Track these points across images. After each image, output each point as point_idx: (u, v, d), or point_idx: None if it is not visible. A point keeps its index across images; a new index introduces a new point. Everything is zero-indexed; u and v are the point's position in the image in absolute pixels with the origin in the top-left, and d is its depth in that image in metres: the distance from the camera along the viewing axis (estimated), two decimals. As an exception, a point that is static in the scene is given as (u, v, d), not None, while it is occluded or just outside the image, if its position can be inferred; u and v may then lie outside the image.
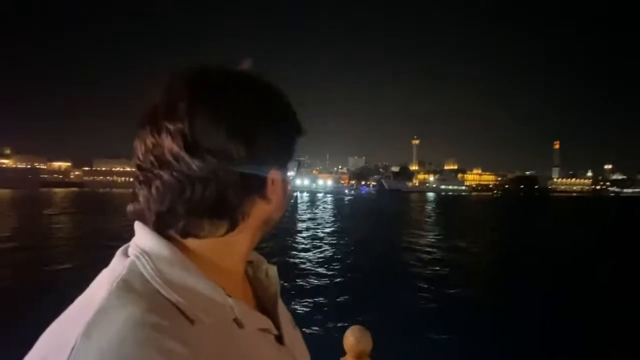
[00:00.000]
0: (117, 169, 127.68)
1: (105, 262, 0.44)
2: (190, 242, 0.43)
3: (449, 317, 6.68)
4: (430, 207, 46.96)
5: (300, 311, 6.74)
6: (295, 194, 69.40)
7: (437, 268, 10.94)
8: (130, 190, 0.45)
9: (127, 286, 0.38)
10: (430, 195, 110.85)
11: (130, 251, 0.42)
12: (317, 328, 5.85)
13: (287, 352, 0.50)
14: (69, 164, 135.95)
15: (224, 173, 0.40)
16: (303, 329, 0.61)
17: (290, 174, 0.50)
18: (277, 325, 0.50)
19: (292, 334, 0.54)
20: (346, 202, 53.60)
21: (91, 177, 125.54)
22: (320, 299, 7.58)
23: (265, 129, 0.43)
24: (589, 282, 9.68)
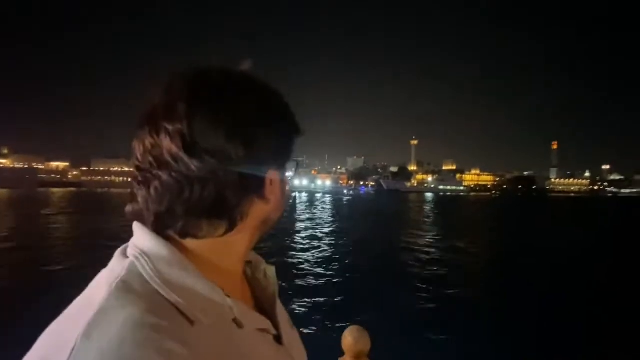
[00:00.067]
0: (116, 169, 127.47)
1: (103, 263, 0.44)
2: (189, 243, 0.43)
3: (447, 317, 6.70)
4: (428, 208, 47.02)
5: (299, 311, 6.74)
6: (294, 194, 69.38)
7: (436, 268, 10.96)
8: (129, 190, 0.45)
9: (126, 287, 0.38)
10: (429, 195, 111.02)
11: (130, 252, 0.42)
12: (315, 328, 5.85)
13: (286, 352, 0.50)
14: (67, 164, 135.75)
15: (222, 173, 0.40)
16: (302, 329, 0.62)
17: (289, 174, 0.50)
18: (276, 326, 0.50)
19: (290, 334, 0.54)
20: (345, 203, 53.61)
21: (89, 177, 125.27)
22: (319, 299, 7.58)
23: (263, 130, 0.44)
24: (586, 282, 9.71)
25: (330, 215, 30.41)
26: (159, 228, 0.42)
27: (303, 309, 6.91)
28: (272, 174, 0.46)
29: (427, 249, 14.28)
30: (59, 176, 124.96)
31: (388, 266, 11.23)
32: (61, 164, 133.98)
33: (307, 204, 45.74)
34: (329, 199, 64.15)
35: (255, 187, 0.44)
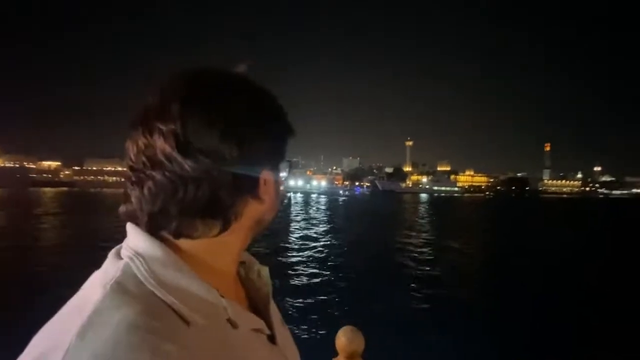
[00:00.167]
0: (109, 168, 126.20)
1: (96, 264, 0.44)
2: (183, 243, 0.43)
3: (441, 318, 6.74)
4: (423, 208, 47.25)
5: (293, 311, 6.73)
6: (289, 194, 69.29)
7: (430, 269, 11.02)
8: (122, 190, 0.45)
9: (121, 288, 0.37)
10: (424, 196, 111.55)
11: (124, 253, 0.42)
12: (309, 328, 5.84)
13: (279, 352, 0.51)
14: (59, 163, 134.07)
15: (216, 173, 0.40)
16: (296, 330, 0.62)
17: (283, 174, 0.50)
18: (270, 326, 0.51)
19: (283, 334, 0.54)
20: (340, 203, 53.69)
21: (82, 177, 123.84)
22: (313, 299, 7.58)
23: (257, 130, 0.44)
24: (577, 283, 9.84)
25: (326, 215, 30.43)
26: (152, 228, 0.42)
27: (297, 309, 6.91)
28: (265, 174, 0.46)
29: (421, 250, 14.35)
30: (50, 175, 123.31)
31: (382, 266, 11.27)
32: (53, 164, 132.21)
33: (303, 204, 45.71)
34: (324, 199, 64.16)
35: (249, 187, 0.44)
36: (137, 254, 0.41)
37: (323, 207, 41.06)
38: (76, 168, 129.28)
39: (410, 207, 49.05)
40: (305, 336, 5.48)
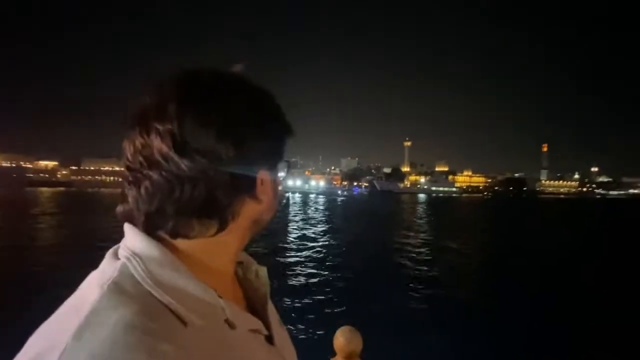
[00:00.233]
0: (106, 168, 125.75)
1: (93, 264, 0.43)
2: (180, 243, 0.43)
3: (439, 318, 6.75)
4: (421, 208, 47.29)
5: (291, 311, 6.72)
6: (287, 194, 69.20)
7: (428, 269, 11.04)
8: (119, 190, 0.45)
9: (118, 288, 0.37)
10: (422, 196, 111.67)
11: (121, 253, 0.42)
12: (307, 328, 5.84)
13: (277, 353, 0.51)
14: (56, 163, 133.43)
15: (213, 173, 0.41)
16: (294, 330, 0.62)
17: (281, 174, 0.50)
18: (267, 326, 0.51)
19: (280, 334, 0.54)
20: (339, 203, 53.68)
21: (79, 177, 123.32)
22: (311, 299, 7.58)
23: (254, 130, 0.44)
24: (574, 283, 9.87)
25: (324, 215, 30.42)
26: (149, 228, 0.42)
27: (295, 309, 6.90)
28: (263, 174, 0.46)
29: (419, 250, 14.37)
30: (47, 175, 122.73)
31: (380, 267, 11.28)
32: (50, 163, 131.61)
33: (301, 204, 45.68)
34: (322, 199, 64.14)
35: (246, 186, 0.44)
36: (134, 254, 0.40)
37: (321, 207, 41.03)
38: (73, 168, 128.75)
39: (408, 207, 49.09)
40: (303, 336, 5.49)
